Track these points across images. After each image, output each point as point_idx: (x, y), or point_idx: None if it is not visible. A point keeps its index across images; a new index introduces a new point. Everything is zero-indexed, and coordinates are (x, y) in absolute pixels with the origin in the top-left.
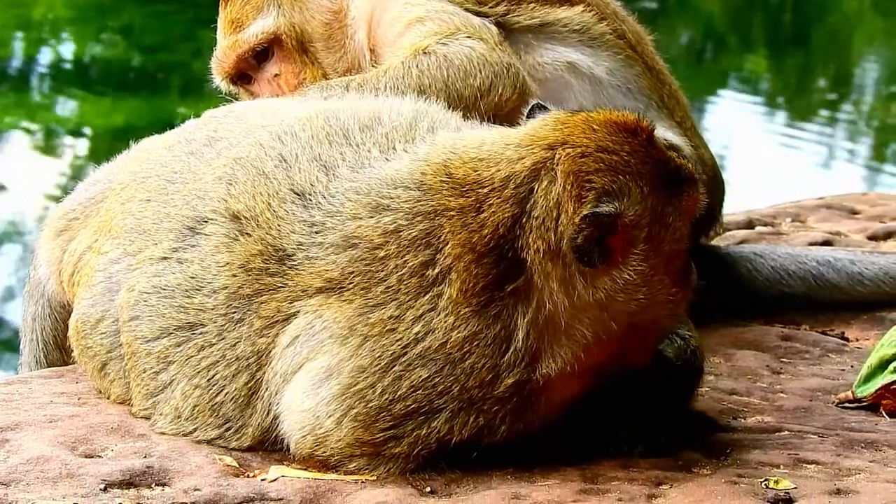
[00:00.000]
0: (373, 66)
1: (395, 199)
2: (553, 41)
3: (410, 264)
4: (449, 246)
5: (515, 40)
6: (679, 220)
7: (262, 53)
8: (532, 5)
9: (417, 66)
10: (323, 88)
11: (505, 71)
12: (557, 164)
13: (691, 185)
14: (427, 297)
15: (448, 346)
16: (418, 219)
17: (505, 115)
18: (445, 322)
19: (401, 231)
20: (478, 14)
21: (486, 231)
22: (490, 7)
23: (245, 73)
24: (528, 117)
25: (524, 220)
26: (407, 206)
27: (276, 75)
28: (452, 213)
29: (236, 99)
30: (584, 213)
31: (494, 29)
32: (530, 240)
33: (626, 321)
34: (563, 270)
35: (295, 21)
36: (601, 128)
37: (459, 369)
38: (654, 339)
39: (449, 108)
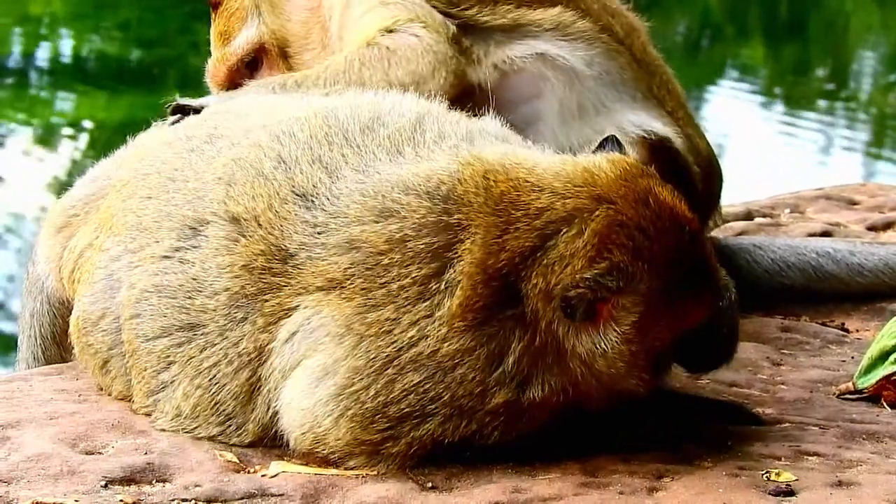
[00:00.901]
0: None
1: (405, 207)
2: (526, 37)
3: (414, 275)
4: (462, 263)
5: (486, 36)
6: (672, 322)
7: (251, 63)
8: (506, 7)
9: (359, 59)
10: (259, 86)
11: (448, 59)
12: (592, 220)
13: (704, 303)
14: (426, 303)
15: (439, 356)
16: (427, 230)
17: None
18: (439, 332)
19: (407, 241)
20: (445, 14)
21: (504, 255)
22: (460, 9)
23: (239, 84)
24: (598, 148)
25: (539, 254)
26: (417, 215)
27: None
28: (477, 230)
29: None
30: (587, 275)
31: (453, 28)
32: (533, 274)
33: (605, 382)
34: (551, 314)
35: (275, 27)
36: (655, 207)
37: (450, 378)
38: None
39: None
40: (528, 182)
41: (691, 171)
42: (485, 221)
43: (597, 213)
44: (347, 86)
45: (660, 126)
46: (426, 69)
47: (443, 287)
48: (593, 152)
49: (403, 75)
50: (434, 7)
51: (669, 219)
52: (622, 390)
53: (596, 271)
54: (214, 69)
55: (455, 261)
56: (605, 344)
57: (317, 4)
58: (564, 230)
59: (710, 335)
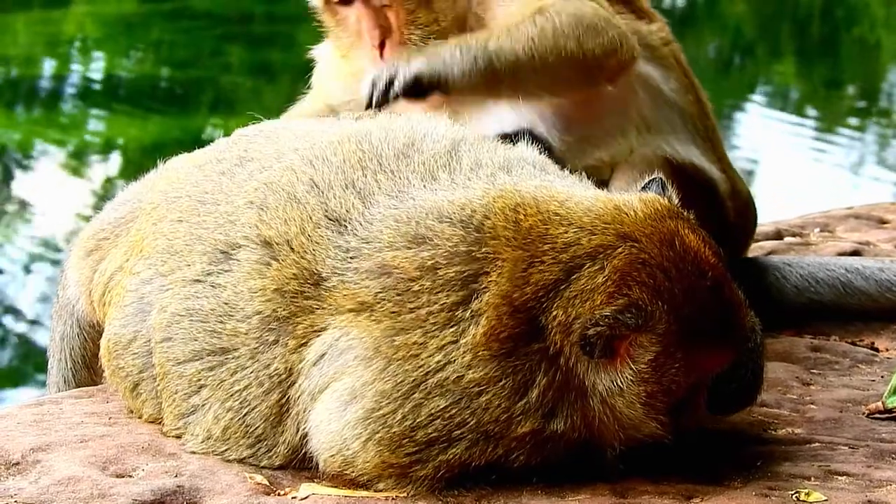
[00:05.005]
0: (478, 15)
1: (438, 234)
2: None
3: (443, 302)
4: (489, 295)
5: None
6: (691, 367)
7: None
8: (621, 12)
9: (550, 22)
10: (456, 45)
11: (628, 34)
12: (615, 257)
13: (725, 351)
14: (452, 329)
15: (464, 382)
16: (458, 259)
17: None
18: (464, 358)
19: (438, 269)
20: None
21: (529, 289)
22: None
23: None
24: (643, 189)
25: (562, 287)
26: (449, 243)
27: (385, 5)
28: (504, 264)
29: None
30: (606, 312)
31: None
32: (555, 307)
33: (625, 424)
34: (569, 349)
35: None
36: (680, 249)
37: (475, 404)
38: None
39: (574, 66)
40: (557, 216)
41: (727, 210)
42: (512, 255)
43: (619, 250)
44: (542, 48)
45: (716, 171)
46: (612, 42)
47: (468, 316)
48: (639, 191)
49: (594, 46)
50: None
51: (693, 263)
52: (643, 434)
53: (614, 308)
54: None
55: (481, 292)
56: (621, 382)
57: None
58: (588, 265)
59: (733, 378)
